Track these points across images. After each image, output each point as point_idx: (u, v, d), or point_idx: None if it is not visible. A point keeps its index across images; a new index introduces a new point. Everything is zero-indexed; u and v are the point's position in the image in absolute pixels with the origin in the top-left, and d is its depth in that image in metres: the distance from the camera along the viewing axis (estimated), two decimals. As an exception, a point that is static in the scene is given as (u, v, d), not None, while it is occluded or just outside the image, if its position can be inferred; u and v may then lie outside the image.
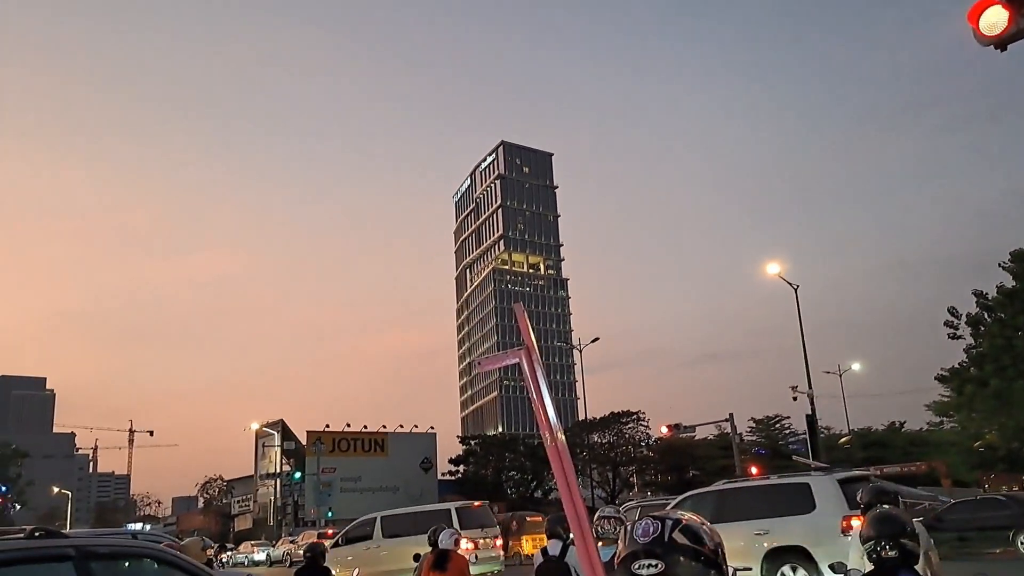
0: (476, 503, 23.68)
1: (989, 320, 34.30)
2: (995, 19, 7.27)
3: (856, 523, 10.18)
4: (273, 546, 50.23)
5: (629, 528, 1.74)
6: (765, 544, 12.30)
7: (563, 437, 1.94)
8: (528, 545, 29.98)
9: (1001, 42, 7.32)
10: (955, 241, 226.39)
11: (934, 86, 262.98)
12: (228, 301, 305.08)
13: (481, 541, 20.16)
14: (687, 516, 1.76)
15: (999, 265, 33.72)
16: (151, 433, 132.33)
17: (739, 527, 12.21)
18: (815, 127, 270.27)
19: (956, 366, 36.96)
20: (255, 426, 74.25)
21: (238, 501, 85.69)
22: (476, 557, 17.81)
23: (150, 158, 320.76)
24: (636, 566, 1.65)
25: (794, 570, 12.15)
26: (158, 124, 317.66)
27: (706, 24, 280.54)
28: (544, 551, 6.54)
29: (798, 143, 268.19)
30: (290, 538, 51.45)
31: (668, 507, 7.71)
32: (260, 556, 49.26)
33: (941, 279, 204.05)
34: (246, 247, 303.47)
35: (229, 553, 51.31)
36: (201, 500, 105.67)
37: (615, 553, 1.81)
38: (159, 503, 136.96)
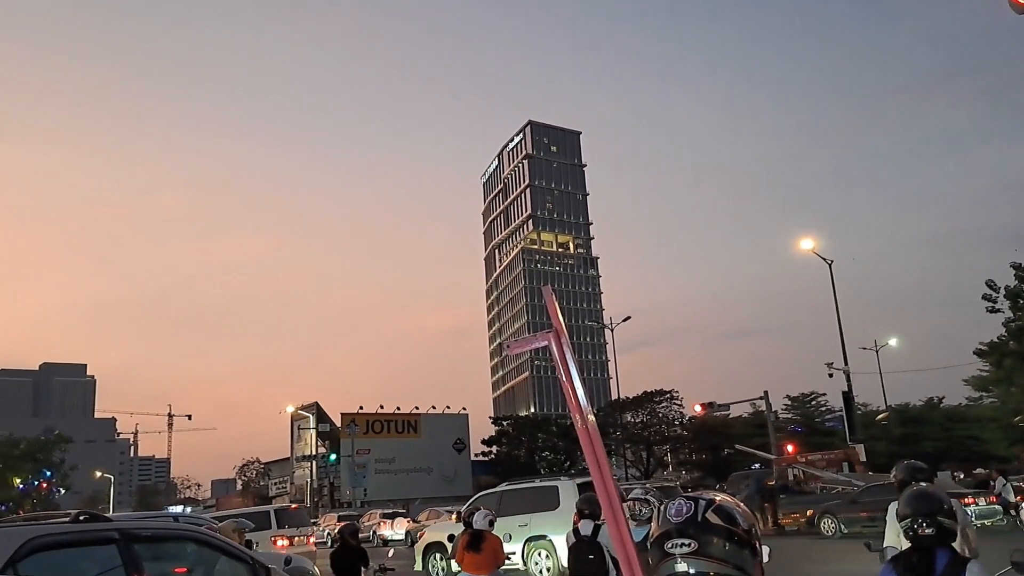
0: None
1: (1029, 293, 33.60)
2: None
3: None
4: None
5: (662, 508, 1.73)
6: (524, 533, 15.85)
7: (593, 419, 1.94)
8: None
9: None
10: (992, 212, 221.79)
11: (969, 54, 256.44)
12: (262, 285, 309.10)
13: None
14: (721, 497, 1.74)
15: (1040, 236, 32.91)
16: (189, 417, 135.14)
17: (511, 520, 15.66)
18: (848, 98, 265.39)
19: (995, 340, 36.34)
20: (290, 409, 75.31)
21: (275, 483, 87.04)
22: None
23: (184, 143, 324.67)
24: (669, 545, 1.63)
25: (542, 553, 15.77)
26: (192, 109, 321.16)
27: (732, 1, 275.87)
28: (576, 530, 6.57)
29: (832, 115, 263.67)
30: (312, 520, 51.72)
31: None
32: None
33: (979, 251, 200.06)
34: (279, 231, 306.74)
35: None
36: (239, 482, 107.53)
37: (647, 533, 1.81)
38: (199, 486, 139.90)
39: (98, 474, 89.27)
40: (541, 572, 15.84)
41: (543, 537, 15.73)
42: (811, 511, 23.78)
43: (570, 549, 6.52)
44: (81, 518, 5.08)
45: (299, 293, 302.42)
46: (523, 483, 18.06)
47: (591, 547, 6.31)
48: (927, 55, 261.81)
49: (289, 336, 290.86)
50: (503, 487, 18.65)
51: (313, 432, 71.85)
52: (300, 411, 73.97)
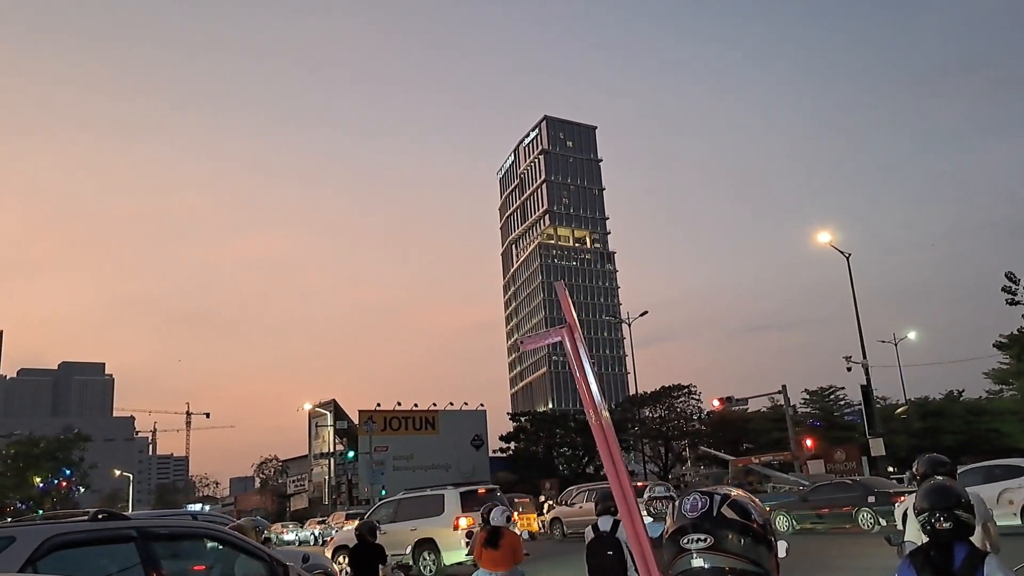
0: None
1: (1051, 284, 33.24)
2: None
3: (464, 522, 17.34)
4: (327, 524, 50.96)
5: (677, 503, 1.73)
6: (413, 537, 17.80)
7: (607, 415, 1.94)
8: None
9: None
10: (1012, 204, 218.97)
11: (987, 45, 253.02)
12: (280, 283, 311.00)
13: None
14: (736, 492, 1.74)
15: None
16: (207, 415, 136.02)
17: (404, 524, 18.12)
18: (866, 92, 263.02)
19: (1015, 332, 36.01)
20: (308, 406, 75.64)
21: (293, 481, 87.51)
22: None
23: (202, 143, 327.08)
24: (685, 541, 1.64)
25: (429, 554, 17.80)
26: (213, 109, 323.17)
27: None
28: (595, 527, 6.56)
29: (849, 108, 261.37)
30: (319, 519, 52.45)
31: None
32: (289, 536, 50.02)
33: (998, 243, 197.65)
34: (296, 229, 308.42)
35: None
36: (257, 480, 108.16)
37: (664, 529, 1.82)
38: (217, 484, 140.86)
39: (117, 472, 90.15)
40: (428, 569, 17.97)
41: (429, 540, 17.89)
42: (767, 508, 24.44)
43: (588, 545, 6.52)
44: (100, 516, 5.14)
45: (317, 291, 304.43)
46: (416, 492, 20.27)
47: (610, 543, 6.30)
48: (945, 47, 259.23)
49: (307, 334, 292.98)
50: (400, 495, 20.94)
51: (331, 429, 72.18)
52: (318, 408, 74.32)
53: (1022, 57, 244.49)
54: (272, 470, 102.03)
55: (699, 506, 1.67)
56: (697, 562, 1.62)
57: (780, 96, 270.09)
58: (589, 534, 6.55)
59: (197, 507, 64.14)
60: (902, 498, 19.33)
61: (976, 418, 54.59)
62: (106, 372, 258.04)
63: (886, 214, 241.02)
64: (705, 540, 1.62)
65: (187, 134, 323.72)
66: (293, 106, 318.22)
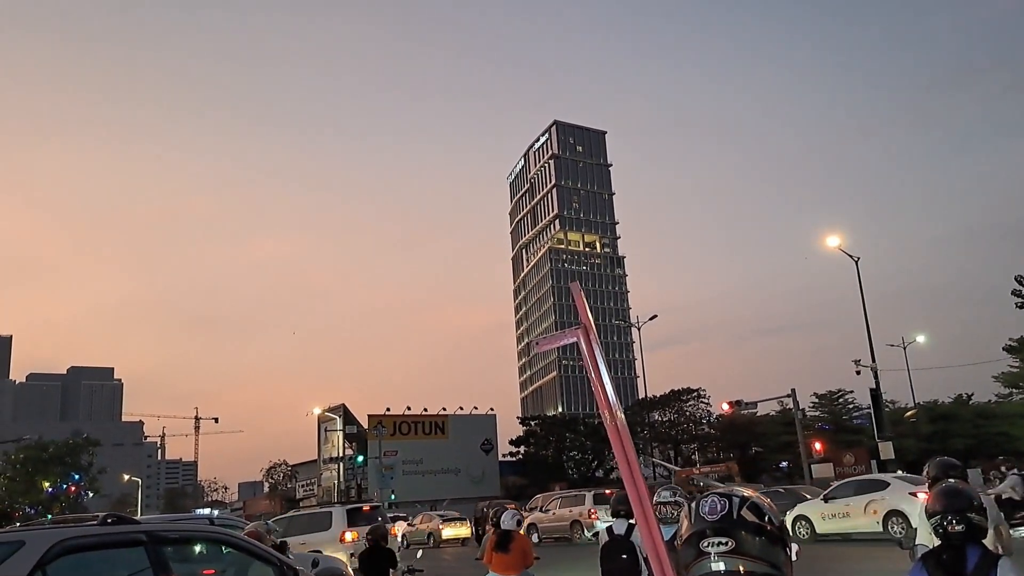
0: None
1: (1062, 287, 33.04)
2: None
3: (350, 536, 19.00)
4: None
5: (694, 505, 1.71)
6: (305, 550, 17.87)
7: (623, 416, 1.95)
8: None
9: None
10: (1021, 205, 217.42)
11: (995, 48, 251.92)
12: (290, 286, 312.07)
13: None
14: (753, 493, 1.74)
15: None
16: (216, 420, 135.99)
17: (296, 539, 18.43)
18: (876, 94, 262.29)
19: (1026, 336, 35.77)
20: (317, 411, 75.77)
21: (302, 485, 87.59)
22: None
23: (214, 146, 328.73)
24: (705, 544, 1.62)
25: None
26: (222, 113, 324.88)
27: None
28: (610, 529, 6.57)
29: (857, 111, 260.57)
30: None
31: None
32: None
33: (1008, 246, 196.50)
34: (306, 232, 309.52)
35: None
36: (266, 485, 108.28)
37: (675, 532, 1.83)
38: (226, 488, 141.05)
39: (126, 477, 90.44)
40: None
41: (318, 551, 18.95)
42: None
43: (602, 548, 6.52)
44: (109, 521, 5.14)
45: (327, 294, 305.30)
46: (306, 511, 22.46)
47: (624, 546, 6.31)
48: (959, 49, 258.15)
49: (316, 337, 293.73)
50: (291, 513, 23.69)
51: (340, 434, 72.27)
52: (327, 413, 74.44)
53: (1015, 66, 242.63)
54: (281, 474, 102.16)
55: (718, 508, 1.66)
56: (718, 565, 1.61)
57: (792, 98, 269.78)
58: (603, 537, 6.55)
59: (206, 511, 64.27)
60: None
61: (985, 422, 54.27)
62: (115, 377, 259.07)
63: (897, 216, 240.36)
64: (726, 543, 1.61)
65: (199, 138, 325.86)
66: (304, 110, 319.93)
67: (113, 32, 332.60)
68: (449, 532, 35.82)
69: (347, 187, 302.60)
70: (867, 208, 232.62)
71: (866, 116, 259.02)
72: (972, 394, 60.98)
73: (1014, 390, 49.96)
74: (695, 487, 39.71)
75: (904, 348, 52.07)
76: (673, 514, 5.86)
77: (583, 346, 1.96)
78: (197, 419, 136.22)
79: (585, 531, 28.41)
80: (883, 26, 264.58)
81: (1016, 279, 34.51)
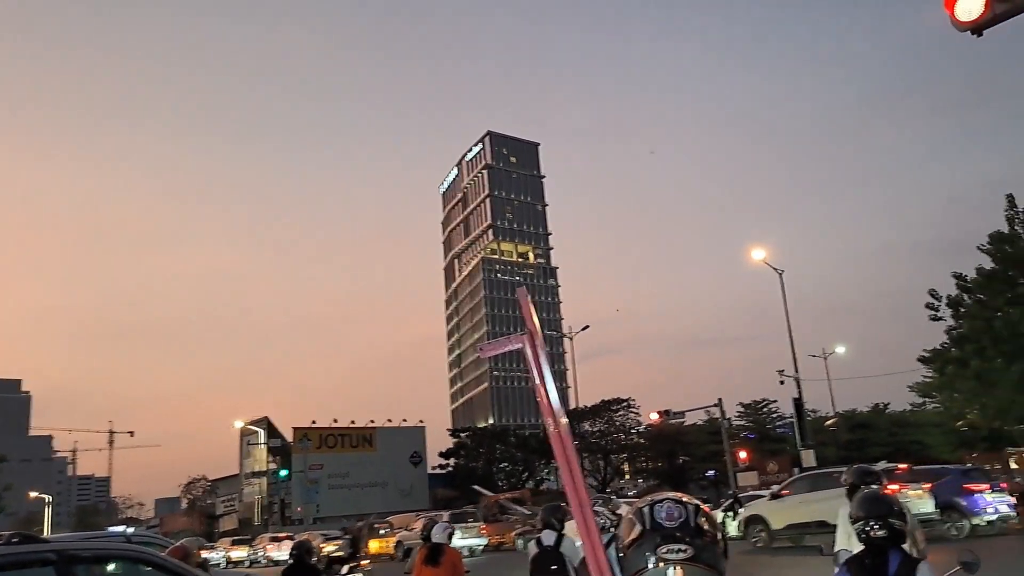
0: None
1: (969, 301, 34.63)
2: (971, 5, 7.34)
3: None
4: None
5: (647, 511, 1.69)
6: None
7: (566, 422, 1.96)
8: (375, 546, 35.53)
9: (977, 28, 7.39)
10: (937, 224, 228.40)
11: (914, 73, 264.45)
12: (213, 297, 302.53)
13: None
14: (696, 500, 1.76)
15: (978, 247, 34.08)
16: (132, 434, 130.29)
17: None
18: (802, 114, 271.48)
19: (938, 347, 37.31)
20: (239, 424, 73.88)
21: (223, 501, 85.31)
22: None
23: (135, 152, 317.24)
24: (664, 550, 1.61)
25: None
26: (145, 118, 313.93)
27: (693, 14, 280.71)
28: (539, 541, 6.55)
29: (783, 129, 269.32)
30: (236, 538, 51.14)
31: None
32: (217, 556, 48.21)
33: (924, 262, 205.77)
34: (234, 242, 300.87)
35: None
36: (184, 501, 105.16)
37: (610, 539, 1.83)
38: (141, 505, 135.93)
39: (33, 494, 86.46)
40: None
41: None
42: (513, 532, 33.41)
43: (532, 559, 6.51)
44: (14, 540, 4.89)
45: (252, 305, 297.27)
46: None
47: (554, 557, 6.31)
48: (881, 74, 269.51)
49: (242, 350, 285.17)
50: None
51: (263, 447, 70.62)
52: (250, 426, 72.59)
53: (948, 86, 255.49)
54: (201, 490, 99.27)
55: (675, 515, 1.66)
56: (673, 572, 1.61)
57: (719, 116, 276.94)
58: (533, 548, 6.54)
59: (120, 529, 61.83)
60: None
61: (901, 430, 56.52)
62: (23, 389, 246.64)
63: (821, 231, 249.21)
64: (685, 551, 1.61)
65: (124, 144, 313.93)
66: (234, 119, 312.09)
67: (33, 31, 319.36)
68: (330, 550, 36.57)
69: (276, 197, 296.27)
70: (794, 223, 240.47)
71: (795, 134, 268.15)
72: (888, 403, 63.54)
73: (928, 399, 52.10)
74: (499, 510, 43.17)
75: (825, 359, 53.91)
76: (605, 522, 5.90)
77: (528, 352, 1.96)
78: (111, 433, 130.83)
79: None
80: (807, 49, 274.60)
81: (930, 293, 36.00)
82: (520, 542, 30.79)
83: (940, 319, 35.84)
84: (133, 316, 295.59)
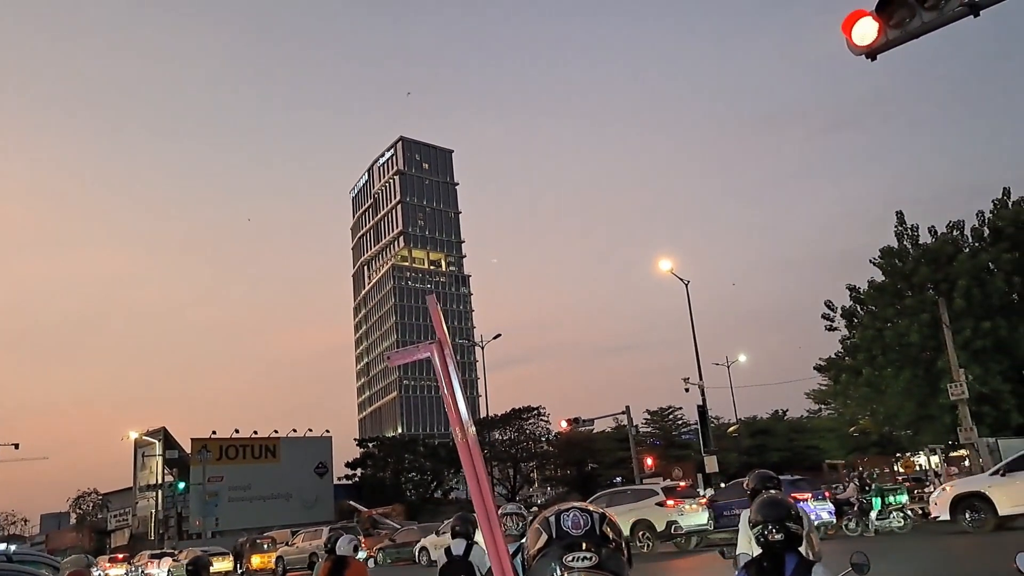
0: None
1: (861, 312, 36.44)
2: (866, 30, 7.76)
3: None
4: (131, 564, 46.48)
5: (553, 519, 1.70)
6: None
7: (474, 432, 1.93)
8: (257, 561, 37.34)
9: (872, 52, 7.82)
10: (834, 238, 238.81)
11: (815, 91, 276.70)
12: (110, 303, 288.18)
13: None
14: (604, 508, 1.77)
15: (870, 261, 35.93)
16: (16, 446, 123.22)
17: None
18: (712, 129, 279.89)
19: (832, 356, 39.06)
20: (134, 435, 70.48)
21: (115, 515, 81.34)
22: None
23: (23, 147, 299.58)
24: (570, 558, 1.61)
25: None
26: (24, 108, 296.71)
27: (607, 25, 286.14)
28: (448, 550, 6.49)
29: (690, 144, 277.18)
30: (112, 555, 49.58)
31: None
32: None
33: (822, 275, 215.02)
34: (129, 245, 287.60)
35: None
36: (74, 516, 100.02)
37: (519, 547, 1.82)
38: (25, 521, 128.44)
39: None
40: None
41: None
42: (379, 546, 35.72)
43: (441, 569, 6.44)
44: None
45: (150, 312, 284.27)
46: None
47: (463, 566, 6.27)
48: (783, 89, 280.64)
49: (137, 358, 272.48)
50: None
51: (159, 459, 67.72)
52: (145, 437, 69.36)
53: (844, 106, 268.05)
54: (91, 504, 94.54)
55: (582, 523, 1.67)
56: None
57: (628, 130, 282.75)
58: (442, 558, 6.47)
59: (1, 547, 57.98)
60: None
61: (798, 435, 58.91)
62: None
63: (725, 242, 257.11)
64: (591, 558, 1.61)
65: (10, 138, 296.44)
66: (124, 111, 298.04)
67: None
68: (216, 566, 37.60)
69: (173, 198, 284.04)
70: (700, 232, 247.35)
71: (702, 149, 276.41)
72: (787, 410, 66.21)
73: (823, 406, 54.48)
74: (371, 525, 45.57)
75: (728, 367, 55.73)
76: (516, 527, 5.88)
77: (437, 361, 1.92)
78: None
79: (320, 561, 33.63)
80: (712, 66, 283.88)
81: (826, 304, 37.70)
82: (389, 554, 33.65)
83: (835, 329, 37.61)
84: (19, 322, 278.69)
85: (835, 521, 22.39)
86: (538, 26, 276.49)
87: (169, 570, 40.40)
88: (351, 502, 42.46)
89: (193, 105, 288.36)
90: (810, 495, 22.19)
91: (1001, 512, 17.54)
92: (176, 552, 44.02)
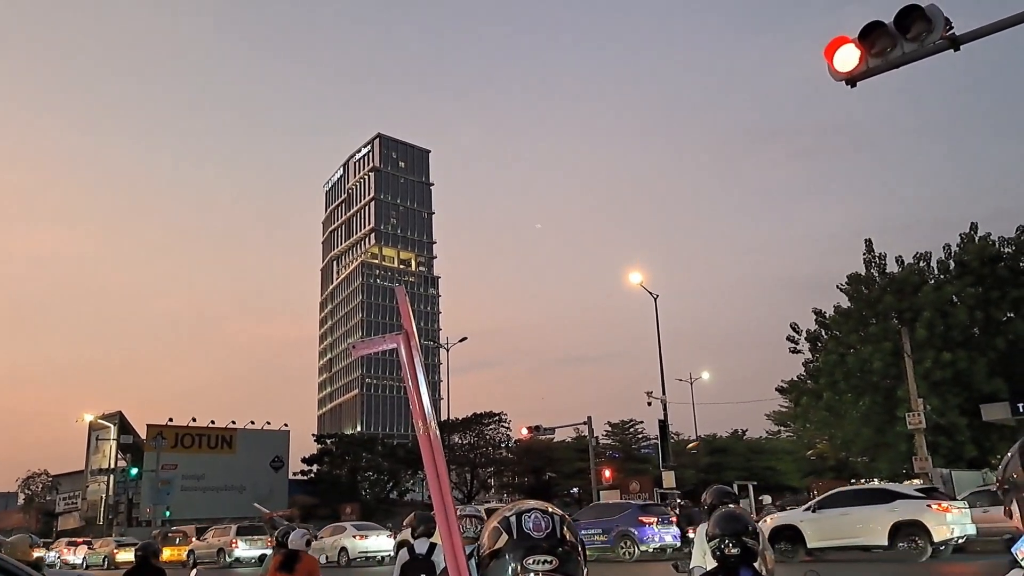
0: None
1: (826, 337, 36.90)
2: (847, 57, 7.88)
3: None
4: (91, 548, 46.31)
5: (514, 520, 1.71)
6: None
7: (436, 427, 1.91)
8: (167, 554, 37.10)
9: (852, 79, 7.93)
10: (802, 262, 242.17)
11: (792, 113, 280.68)
12: (69, 281, 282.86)
13: None
14: (562, 511, 1.77)
15: (837, 287, 36.43)
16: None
17: None
18: (683, 147, 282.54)
19: (795, 379, 39.50)
20: (89, 417, 69.29)
21: (64, 498, 79.88)
22: None
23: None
24: (531, 561, 1.62)
25: None
26: (5, 81, 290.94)
27: (584, 37, 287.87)
28: (411, 548, 6.44)
29: (665, 160, 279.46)
30: (72, 540, 48.92)
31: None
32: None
33: (789, 298, 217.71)
34: (93, 226, 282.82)
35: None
36: (22, 496, 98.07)
37: (475, 548, 1.79)
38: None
39: None
40: None
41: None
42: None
43: (402, 567, 6.37)
44: None
45: (112, 294, 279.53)
46: None
47: (425, 565, 6.21)
48: (755, 114, 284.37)
49: (96, 341, 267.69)
50: None
51: (113, 443, 66.57)
52: (100, 420, 68.19)
53: (819, 131, 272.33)
54: (40, 486, 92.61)
55: (543, 526, 1.67)
56: None
57: (604, 145, 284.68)
58: (404, 556, 6.41)
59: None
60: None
61: (756, 456, 59.49)
62: None
63: (696, 260, 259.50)
64: (551, 561, 1.62)
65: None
66: (96, 90, 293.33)
67: None
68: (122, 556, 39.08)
69: (140, 180, 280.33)
70: (670, 248, 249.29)
71: (673, 167, 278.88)
72: (747, 430, 66.85)
73: (783, 428, 55.09)
74: (271, 526, 44.46)
75: (691, 384, 56.13)
76: (473, 529, 5.83)
77: (403, 352, 1.89)
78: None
79: (227, 557, 35.04)
80: (691, 87, 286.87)
81: (791, 326, 38.11)
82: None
83: (799, 352, 38.06)
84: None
85: (678, 545, 23.07)
86: (521, 36, 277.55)
87: (84, 558, 41.34)
88: (256, 504, 42.70)
89: (168, 90, 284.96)
90: (656, 519, 23.39)
91: (810, 545, 19.07)
92: (91, 541, 45.34)
